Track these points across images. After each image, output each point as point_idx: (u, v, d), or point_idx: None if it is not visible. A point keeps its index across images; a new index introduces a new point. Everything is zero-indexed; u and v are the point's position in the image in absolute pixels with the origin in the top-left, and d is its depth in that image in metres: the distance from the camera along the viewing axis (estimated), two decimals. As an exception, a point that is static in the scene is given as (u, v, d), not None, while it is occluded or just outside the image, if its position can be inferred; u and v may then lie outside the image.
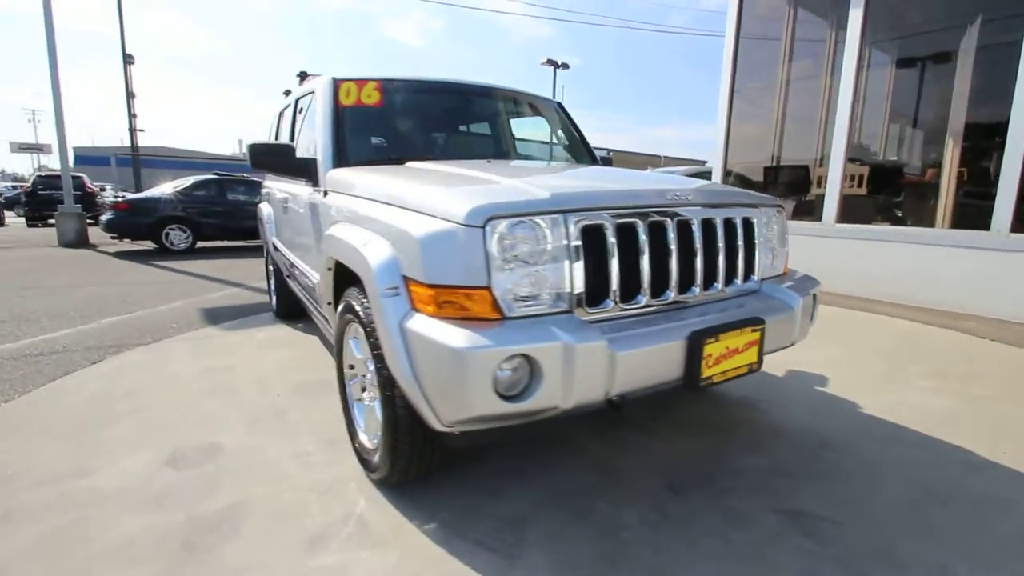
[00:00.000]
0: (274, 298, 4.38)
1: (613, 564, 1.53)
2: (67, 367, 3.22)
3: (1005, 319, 4.28)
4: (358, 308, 1.79)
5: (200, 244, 9.24)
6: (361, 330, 1.85)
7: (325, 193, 2.29)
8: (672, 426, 2.42)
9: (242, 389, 2.86)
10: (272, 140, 4.44)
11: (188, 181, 9.26)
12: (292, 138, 3.68)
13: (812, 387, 2.90)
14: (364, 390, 2.03)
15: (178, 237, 8.80)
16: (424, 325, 1.44)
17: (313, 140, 2.58)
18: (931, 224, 5.36)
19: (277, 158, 2.49)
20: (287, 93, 4.14)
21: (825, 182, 5.57)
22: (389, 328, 1.52)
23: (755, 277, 2.00)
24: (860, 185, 5.56)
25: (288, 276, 3.79)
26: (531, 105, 3.20)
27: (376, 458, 1.85)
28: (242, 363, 3.28)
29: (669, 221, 1.69)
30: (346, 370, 2.17)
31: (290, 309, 4.26)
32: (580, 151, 3.19)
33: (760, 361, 1.78)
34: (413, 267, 1.50)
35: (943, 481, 1.98)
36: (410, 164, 2.39)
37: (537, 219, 1.48)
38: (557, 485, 1.95)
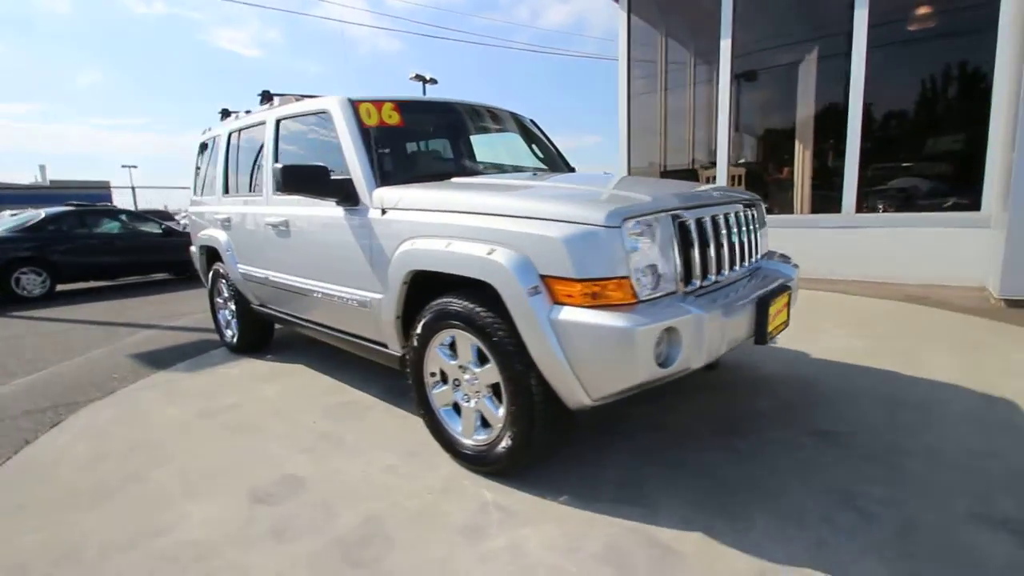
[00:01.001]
0: (232, 332, 4.06)
1: (732, 491, 1.89)
2: (23, 434, 2.74)
3: (864, 279, 5.54)
4: (469, 313, 1.93)
5: (62, 287, 7.85)
6: (466, 334, 1.99)
7: (383, 211, 2.34)
8: (682, 392, 2.86)
9: (266, 424, 2.71)
10: (201, 172, 4.20)
11: (38, 215, 7.80)
12: (227, 169, 3.71)
13: (768, 345, 3.57)
14: (458, 393, 2.15)
15: (31, 282, 7.37)
16: (579, 315, 1.67)
17: (318, 161, 2.53)
18: (792, 211, 6.66)
19: (312, 180, 2.45)
20: (219, 123, 3.95)
21: (714, 181, 6.62)
22: (539, 322, 1.71)
23: (757, 256, 2.51)
24: (740, 183, 6.70)
25: (260, 305, 3.59)
26: (515, 120, 3.47)
27: (498, 450, 1.99)
28: (242, 400, 3.06)
29: (720, 215, 2.10)
30: (427, 379, 2.26)
31: (255, 342, 3.99)
32: (559, 162, 3.54)
33: (789, 317, 2.28)
34: (556, 266, 1.71)
35: (893, 391, 2.68)
36: (462, 180, 2.55)
37: (650, 218, 1.79)
38: (632, 449, 2.25)
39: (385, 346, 2.54)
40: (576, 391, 1.74)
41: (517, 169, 3.23)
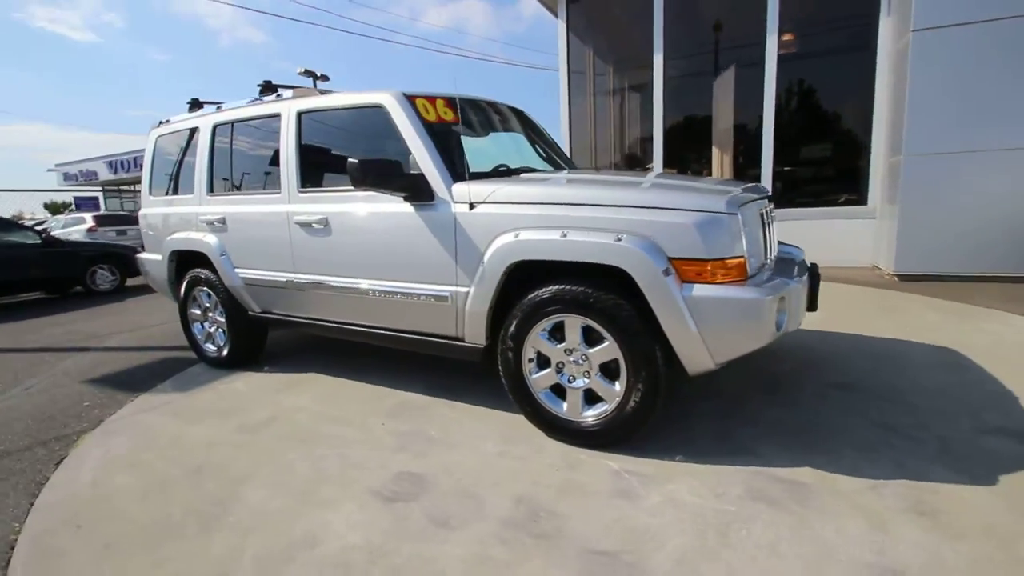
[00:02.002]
0: (217, 344, 3.70)
1: (808, 434, 2.27)
2: (24, 476, 2.32)
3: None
4: (587, 298, 2.09)
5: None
6: (579, 318, 2.14)
7: (472, 206, 2.38)
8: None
9: (332, 432, 2.59)
10: (161, 170, 3.83)
11: None
12: (212, 165, 3.48)
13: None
14: (562, 376, 2.28)
15: None
16: (712, 290, 1.92)
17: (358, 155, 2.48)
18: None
19: (387, 175, 2.42)
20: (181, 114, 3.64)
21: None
22: (675, 298, 1.93)
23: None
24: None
25: (263, 312, 3.35)
26: (526, 118, 3.61)
27: (616, 422, 2.16)
28: (277, 413, 2.86)
29: (765, 206, 2.48)
30: (525, 366, 2.36)
31: (249, 353, 3.68)
32: (564, 158, 3.75)
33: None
34: (686, 249, 1.95)
35: (867, 348, 3.31)
36: (546, 175, 2.73)
37: (750, 206, 2.10)
38: (704, 412, 2.56)
39: (459, 340, 2.58)
40: (703, 358, 1.99)
41: (530, 169, 3.39)
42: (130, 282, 8.14)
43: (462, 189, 2.44)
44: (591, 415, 2.25)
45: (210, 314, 3.74)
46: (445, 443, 2.41)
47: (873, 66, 5.83)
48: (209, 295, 3.66)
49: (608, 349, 2.15)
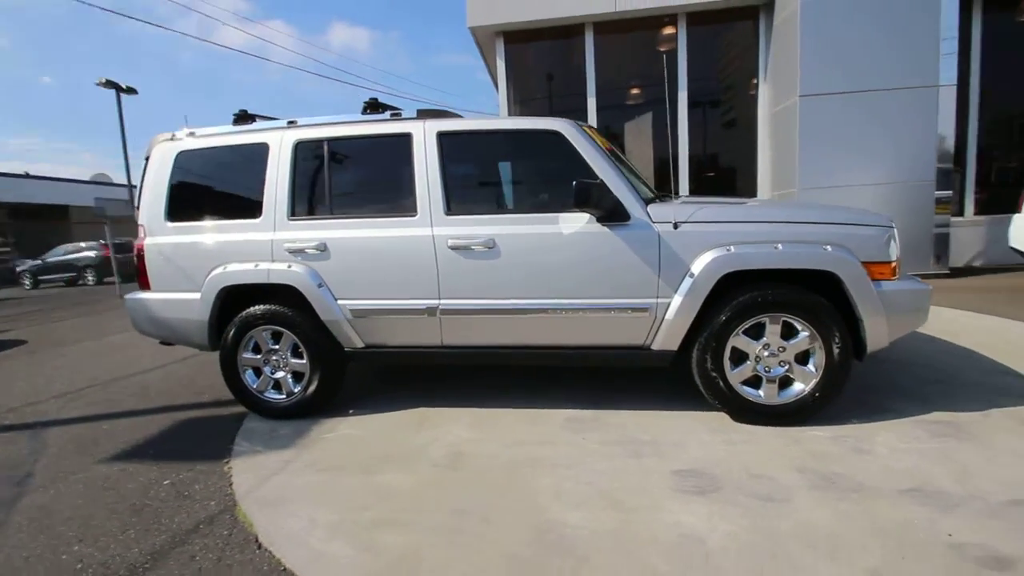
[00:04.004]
0: (287, 390, 3.17)
1: (892, 389, 3.03)
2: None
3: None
4: (789, 298, 2.55)
5: None
6: (782, 316, 2.60)
7: (676, 226, 2.64)
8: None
9: (537, 455, 2.54)
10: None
11: None
12: (295, 186, 3.09)
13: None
14: (759, 367, 2.68)
15: None
16: (896, 285, 2.56)
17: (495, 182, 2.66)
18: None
19: (599, 196, 2.57)
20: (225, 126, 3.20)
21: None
22: (874, 293, 2.51)
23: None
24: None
25: (368, 347, 3.06)
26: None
27: (803, 404, 2.64)
28: (452, 449, 2.67)
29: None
30: (726, 364, 2.69)
31: (329, 395, 3.23)
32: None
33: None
34: (874, 254, 2.55)
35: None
36: (718, 199, 3.09)
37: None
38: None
39: (645, 348, 2.80)
40: (883, 339, 2.60)
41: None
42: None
43: (660, 211, 2.71)
44: (787, 398, 2.69)
45: (275, 357, 3.20)
46: (669, 443, 2.59)
47: (755, 122, 7.54)
48: (276, 336, 3.15)
49: (804, 340, 2.63)
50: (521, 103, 8.20)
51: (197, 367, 4.60)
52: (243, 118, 3.31)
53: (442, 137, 2.94)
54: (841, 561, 1.70)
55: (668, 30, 7.57)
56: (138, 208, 3.43)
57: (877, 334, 2.60)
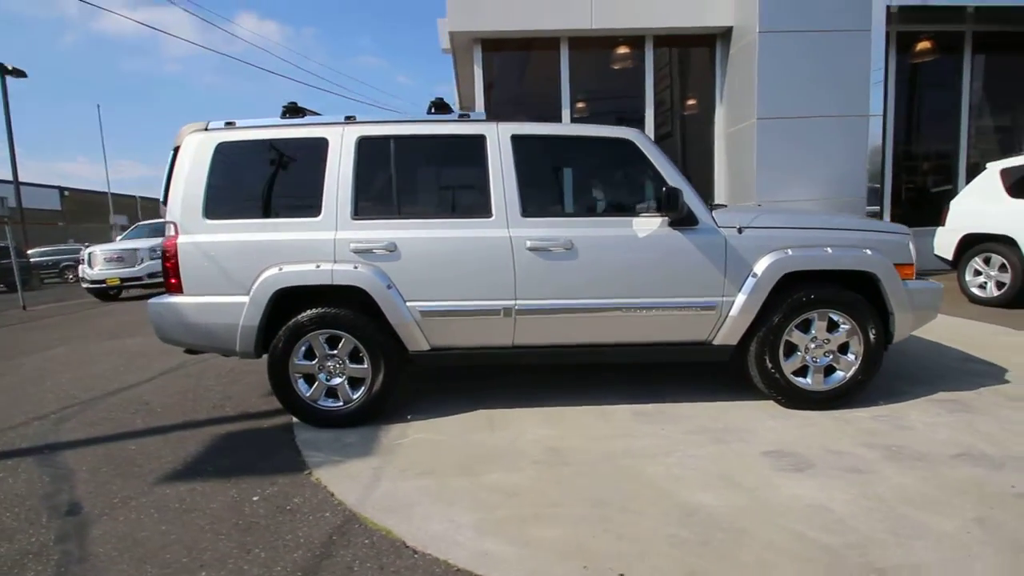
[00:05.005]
0: (348, 398, 3.03)
1: (898, 376, 3.52)
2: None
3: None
4: (837, 296, 2.91)
5: None
6: (828, 311, 2.95)
7: (740, 230, 2.90)
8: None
9: (632, 447, 2.67)
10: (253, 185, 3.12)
11: None
12: (358, 185, 2.99)
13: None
14: (808, 357, 3.01)
15: None
16: (918, 284, 3.00)
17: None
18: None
19: (677, 200, 2.77)
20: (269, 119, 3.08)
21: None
22: (903, 291, 2.93)
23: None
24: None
25: (435, 349, 3.04)
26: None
27: (844, 389, 3.00)
28: (544, 446, 2.72)
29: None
30: (780, 356, 2.99)
31: (388, 401, 3.13)
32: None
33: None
34: (902, 257, 2.97)
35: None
36: (769, 208, 3.36)
37: (895, 231, 3.26)
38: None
39: (706, 344, 3.04)
40: (908, 330, 3.03)
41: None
42: None
43: (725, 216, 2.96)
44: (832, 384, 3.03)
45: (330, 363, 3.06)
46: (741, 429, 2.82)
47: (712, 140, 8.23)
48: (332, 340, 3.02)
49: (845, 333, 2.99)
50: (496, 106, 8.31)
51: (187, 378, 4.21)
52: (293, 111, 3.15)
53: (516, 140, 3.00)
54: (947, 515, 1.99)
55: (637, 50, 8.07)
56: (164, 203, 3.13)
57: (903, 326, 3.02)
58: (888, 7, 7.19)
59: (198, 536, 2.06)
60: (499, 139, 2.99)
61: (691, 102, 8.62)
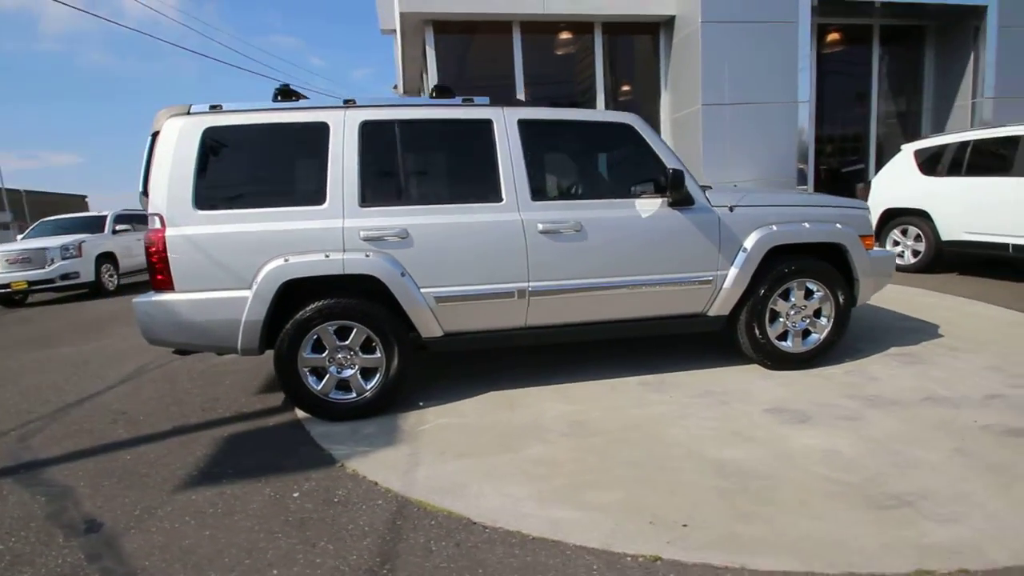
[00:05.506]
0: (362, 390, 2.98)
1: (854, 336, 3.98)
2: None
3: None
4: (816, 267, 3.24)
5: None
6: (805, 280, 3.27)
7: (731, 209, 3.12)
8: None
9: (658, 412, 2.86)
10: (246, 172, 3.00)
11: None
12: (363, 171, 2.91)
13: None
14: (789, 323, 3.32)
15: None
16: (880, 252, 3.40)
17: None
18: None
19: (681, 181, 2.94)
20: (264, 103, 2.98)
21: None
22: (867, 258, 3.30)
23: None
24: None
25: (449, 333, 3.08)
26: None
27: (818, 350, 3.36)
28: (573, 419, 2.83)
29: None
30: (766, 323, 3.28)
31: (401, 388, 3.11)
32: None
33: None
34: (864, 229, 3.34)
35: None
36: (748, 187, 3.52)
37: (854, 206, 3.65)
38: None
39: (701, 315, 3.28)
40: (870, 295, 3.42)
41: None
42: None
43: (717, 196, 3.18)
44: (809, 345, 3.38)
45: (340, 355, 2.99)
46: (738, 391, 3.09)
47: (659, 125, 8.61)
48: (342, 332, 2.95)
49: (819, 299, 3.33)
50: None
51: (156, 384, 3.93)
52: (286, 94, 2.99)
53: (523, 124, 3.04)
54: (932, 449, 2.33)
55: (587, 36, 8.24)
56: (145, 193, 2.90)
57: (866, 290, 3.42)
58: (811, 1, 7.84)
59: (251, 537, 1.99)
60: (506, 123, 3.02)
61: (637, 88, 8.95)
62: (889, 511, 1.92)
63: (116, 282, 10.37)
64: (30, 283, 9.20)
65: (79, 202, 29.92)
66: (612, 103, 8.69)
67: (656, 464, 2.34)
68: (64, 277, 9.32)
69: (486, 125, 3.02)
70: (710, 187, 3.51)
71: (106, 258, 10.12)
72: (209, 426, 3.10)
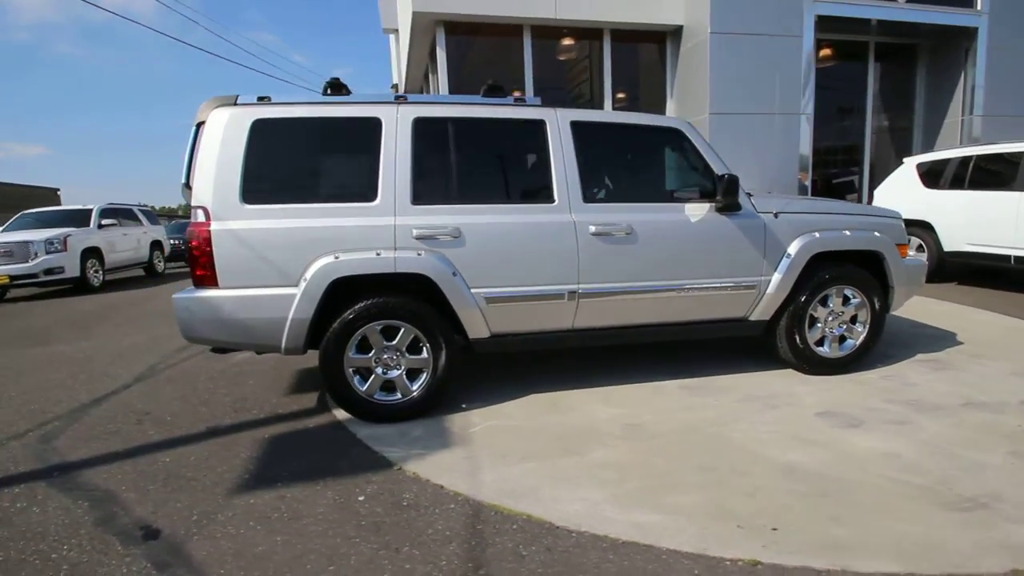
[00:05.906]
0: (407, 390, 2.91)
1: (919, 344, 4.07)
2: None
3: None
4: (855, 274, 3.30)
5: None
6: (845, 288, 3.33)
7: (776, 215, 3.16)
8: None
9: (705, 415, 2.86)
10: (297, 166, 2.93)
11: None
12: (417, 168, 2.85)
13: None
14: (826, 328, 3.37)
15: None
16: (911, 260, 3.48)
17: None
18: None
19: (733, 187, 2.96)
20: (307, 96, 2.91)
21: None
22: (902, 266, 3.38)
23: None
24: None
25: (495, 334, 3.04)
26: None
27: (853, 355, 3.41)
28: (635, 423, 2.81)
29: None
30: (805, 327, 3.32)
31: (447, 388, 3.05)
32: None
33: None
34: (900, 238, 3.42)
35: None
36: (788, 195, 3.61)
37: (884, 215, 3.73)
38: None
39: (743, 320, 3.30)
40: (903, 302, 3.49)
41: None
42: None
43: (762, 202, 3.22)
44: (846, 351, 3.43)
45: (386, 355, 2.91)
46: (783, 395, 3.11)
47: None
48: (391, 332, 2.88)
49: (856, 306, 3.39)
50: (456, 90, 8.13)
51: (175, 383, 3.78)
52: (336, 88, 2.92)
53: (575, 126, 3.03)
54: (988, 452, 2.38)
55: (596, 42, 8.30)
56: (188, 186, 2.79)
57: (900, 298, 3.49)
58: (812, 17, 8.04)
59: (327, 542, 1.91)
60: (559, 125, 3.00)
61: (644, 95, 9.04)
62: (968, 513, 1.95)
63: (101, 278, 10.01)
64: (12, 277, 8.81)
65: (51, 195, 28.64)
66: (618, 109, 8.74)
67: (726, 467, 2.33)
68: (48, 272, 8.95)
69: (539, 126, 2.99)
70: (750, 194, 3.55)
71: (91, 253, 9.76)
72: (246, 427, 2.99)
